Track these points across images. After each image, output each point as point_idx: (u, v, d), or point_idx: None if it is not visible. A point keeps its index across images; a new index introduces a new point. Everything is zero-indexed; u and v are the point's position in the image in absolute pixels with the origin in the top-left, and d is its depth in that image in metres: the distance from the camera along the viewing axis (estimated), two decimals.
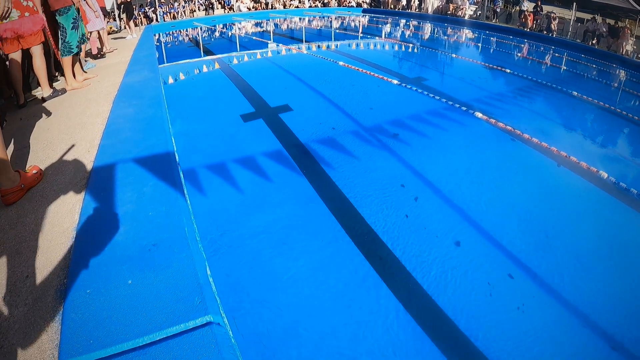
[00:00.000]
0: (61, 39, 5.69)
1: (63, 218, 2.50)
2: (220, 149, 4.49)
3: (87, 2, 9.32)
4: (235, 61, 11.72)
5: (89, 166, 3.06)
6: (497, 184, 4.00)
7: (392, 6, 31.75)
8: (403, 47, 11.30)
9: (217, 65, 10.92)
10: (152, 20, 29.63)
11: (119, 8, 15.89)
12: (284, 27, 21.37)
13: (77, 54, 5.95)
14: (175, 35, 21.71)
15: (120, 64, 7.57)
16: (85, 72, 6.69)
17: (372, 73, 7.02)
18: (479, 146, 4.74)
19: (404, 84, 6.46)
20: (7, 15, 2.38)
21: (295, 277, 2.79)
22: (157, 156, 3.09)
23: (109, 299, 1.86)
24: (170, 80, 7.87)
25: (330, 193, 3.70)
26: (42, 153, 3.48)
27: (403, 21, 22.33)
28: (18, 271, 2.08)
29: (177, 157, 3.35)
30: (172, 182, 2.75)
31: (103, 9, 11.37)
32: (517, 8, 23.84)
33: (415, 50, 10.88)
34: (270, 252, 2.98)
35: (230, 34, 20.38)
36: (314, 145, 4.52)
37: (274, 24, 22.99)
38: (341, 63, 7.50)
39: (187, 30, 22.82)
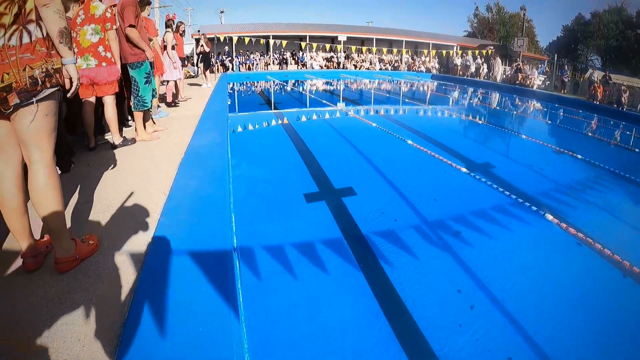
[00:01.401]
0: (134, 92, 5.70)
1: (112, 305, 2.29)
2: (281, 232, 4.30)
3: (167, 53, 9.62)
4: (303, 118, 11.69)
5: (145, 247, 2.87)
6: (562, 301, 3.56)
7: (460, 73, 31.77)
8: (471, 122, 10.87)
9: (284, 121, 10.86)
10: (228, 69, 30.76)
11: (197, 56, 16.49)
12: (354, 87, 21.54)
13: (150, 107, 6.01)
14: (248, 85, 22.33)
15: (191, 117, 7.47)
16: (155, 122, 6.75)
17: (439, 156, 6.63)
18: (546, 253, 4.32)
19: (470, 172, 6.06)
20: (75, 91, 2.32)
21: None
22: (214, 249, 2.90)
23: None
24: (239, 129, 7.85)
25: (384, 292, 3.42)
26: (101, 215, 3.33)
27: (471, 90, 22.03)
28: (60, 356, 1.88)
29: (235, 240, 3.18)
30: (225, 290, 2.53)
31: (182, 58, 11.76)
32: (585, 77, 23.31)
33: (484, 126, 10.43)
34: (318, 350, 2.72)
35: (301, 90, 20.73)
36: (374, 238, 4.23)
37: (344, 84, 23.29)
38: (409, 142, 7.21)
39: (259, 83, 23.40)
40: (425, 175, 6.14)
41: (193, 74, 21.71)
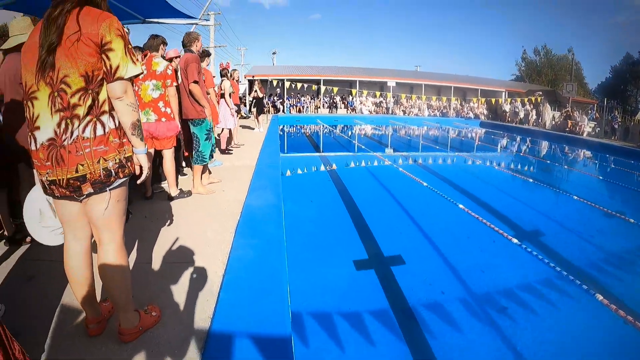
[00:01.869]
0: (195, 147, 5.81)
1: None
2: (331, 301, 4.25)
3: (224, 101, 9.85)
4: (351, 164, 11.71)
5: (207, 323, 2.84)
6: None
7: (509, 119, 31.31)
8: (521, 181, 10.50)
9: (333, 167, 10.94)
10: (279, 111, 31.35)
11: (251, 101, 16.91)
12: (402, 135, 21.47)
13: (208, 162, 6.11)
14: (298, 128, 22.64)
15: (245, 169, 7.51)
16: (210, 172, 6.86)
17: (488, 223, 6.34)
18: (594, 335, 4.06)
19: (519, 243, 5.81)
20: (145, 179, 2.37)
21: None
22: (273, 330, 2.85)
23: None
24: (287, 173, 7.87)
25: None
26: (162, 279, 3.30)
27: (520, 139, 21.58)
28: None
29: (290, 314, 3.13)
30: None
31: (237, 105, 12.03)
32: (635, 119, 22.51)
33: (534, 185, 10.02)
34: None
35: (349, 135, 20.85)
36: (421, 310, 4.11)
37: (393, 130, 23.28)
38: (461, 206, 7.02)
39: (309, 126, 23.68)
40: (473, 243, 5.93)
41: (245, 115, 22.20)
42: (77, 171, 2.04)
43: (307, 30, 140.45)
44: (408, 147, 17.01)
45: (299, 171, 9.76)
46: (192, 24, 12.75)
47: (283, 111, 32.05)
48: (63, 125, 2.02)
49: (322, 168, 10.97)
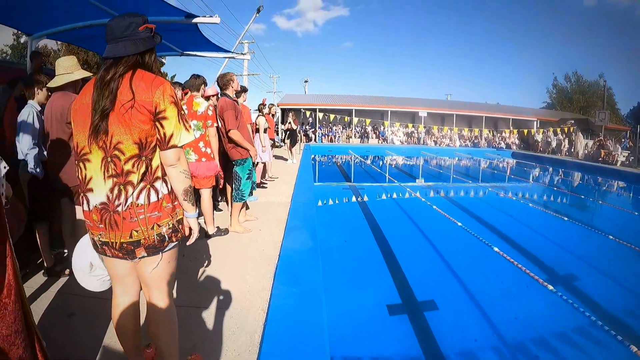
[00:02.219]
0: (235, 185, 5.87)
1: None
2: (366, 348, 4.23)
3: (259, 137, 9.98)
4: (384, 196, 11.67)
5: None
6: None
7: (541, 149, 30.84)
8: (555, 218, 10.18)
9: (365, 198, 10.91)
10: (310, 140, 31.60)
11: (285, 133, 17.13)
12: (434, 166, 21.33)
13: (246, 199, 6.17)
14: (330, 158, 22.74)
15: (280, 206, 7.67)
16: (248, 208, 6.93)
17: (522, 267, 6.17)
18: None
19: (553, 288, 5.64)
20: (194, 241, 2.40)
21: None
22: None
23: None
24: (319, 203, 7.86)
25: None
26: (203, 325, 3.37)
27: (552, 170, 21.10)
28: None
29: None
30: None
31: (272, 139, 12.17)
32: None
33: (567, 223, 9.68)
34: None
35: (381, 166, 20.83)
36: (455, 359, 4.07)
37: (424, 161, 23.17)
38: (496, 249, 6.87)
39: (341, 156, 23.77)
40: (507, 288, 5.82)
41: (278, 145, 22.46)
42: (131, 236, 2.05)
43: (338, 58, 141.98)
44: (440, 179, 16.88)
45: (332, 202, 9.80)
46: (229, 57, 13.03)
47: (315, 140, 32.30)
48: (116, 191, 2.03)
49: (354, 199, 10.99)
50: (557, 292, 5.34)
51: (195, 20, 6.70)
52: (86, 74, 4.11)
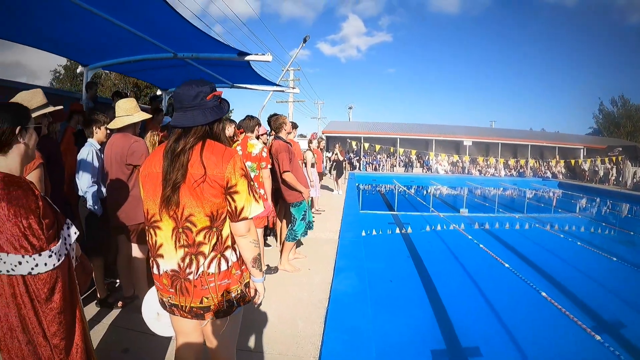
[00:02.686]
0: (290, 226, 6.05)
1: None
2: None
3: (307, 172, 10.19)
4: (427, 228, 11.64)
5: None
6: None
7: (588, 178, 29.99)
8: (604, 259, 9.72)
9: (408, 230, 10.95)
10: (355, 168, 31.77)
11: (331, 164, 17.38)
12: (479, 199, 21.00)
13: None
14: (375, 187, 22.82)
15: (328, 243, 7.81)
16: (302, 244, 7.08)
17: (571, 315, 6.02)
18: None
19: (601, 340, 5.43)
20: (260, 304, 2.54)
21: None
22: None
23: None
24: (363, 233, 7.93)
25: None
26: None
27: (598, 201, 20.32)
28: None
29: None
30: None
31: (320, 173, 12.40)
32: None
33: (616, 264, 9.32)
34: None
35: (425, 196, 20.72)
36: None
37: (469, 193, 22.84)
38: (544, 294, 6.70)
39: (386, 186, 23.79)
40: (551, 337, 5.74)
41: (324, 173, 22.72)
42: (201, 302, 2.12)
43: (381, 84, 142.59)
44: (486, 210, 16.60)
45: (376, 232, 9.88)
46: (278, 90, 13.42)
47: (359, 168, 32.46)
48: (188, 260, 2.09)
49: (397, 230, 11.09)
50: (605, 344, 5.20)
51: (247, 57, 7.05)
52: (145, 116, 4.33)
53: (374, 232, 10.33)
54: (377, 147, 32.27)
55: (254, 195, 2.18)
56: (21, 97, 2.99)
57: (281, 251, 6.28)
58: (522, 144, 35.86)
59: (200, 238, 2.08)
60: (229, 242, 2.17)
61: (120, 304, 4.29)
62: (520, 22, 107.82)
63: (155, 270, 2.20)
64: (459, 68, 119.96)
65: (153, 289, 2.43)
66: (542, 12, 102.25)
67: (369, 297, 5.21)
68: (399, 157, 34.30)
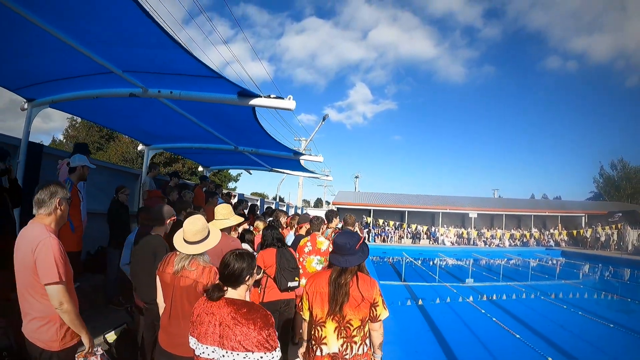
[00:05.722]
0: None
1: None
2: None
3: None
4: (437, 300, 12.18)
5: None
6: None
7: (590, 245, 30.56)
8: (608, 329, 9.49)
9: (419, 302, 11.53)
10: (365, 239, 32.14)
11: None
12: (485, 271, 21.47)
13: None
14: (384, 259, 23.33)
15: None
16: None
17: None
18: None
19: None
20: None
21: None
22: None
23: None
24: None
25: None
26: None
27: (601, 267, 21.00)
28: None
29: None
30: None
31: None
32: None
33: (620, 332, 9.18)
34: None
35: (432, 263, 21.08)
36: None
37: (475, 262, 23.35)
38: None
39: (395, 258, 24.24)
40: None
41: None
42: None
43: (387, 151, 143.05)
44: (492, 283, 16.93)
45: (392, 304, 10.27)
46: (314, 177, 14.28)
47: (368, 240, 32.91)
48: (345, 346, 3.03)
49: (409, 303, 11.62)
50: None
51: (302, 157, 7.83)
52: (239, 219, 4.82)
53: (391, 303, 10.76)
54: (391, 223, 33.09)
55: (384, 305, 3.16)
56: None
57: None
58: (525, 215, 36.64)
59: (354, 333, 3.06)
60: (367, 334, 3.16)
61: None
62: (522, 89, 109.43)
63: (318, 352, 3.10)
64: (461, 136, 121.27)
65: None
66: (543, 79, 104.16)
67: None
68: (407, 229, 34.87)
